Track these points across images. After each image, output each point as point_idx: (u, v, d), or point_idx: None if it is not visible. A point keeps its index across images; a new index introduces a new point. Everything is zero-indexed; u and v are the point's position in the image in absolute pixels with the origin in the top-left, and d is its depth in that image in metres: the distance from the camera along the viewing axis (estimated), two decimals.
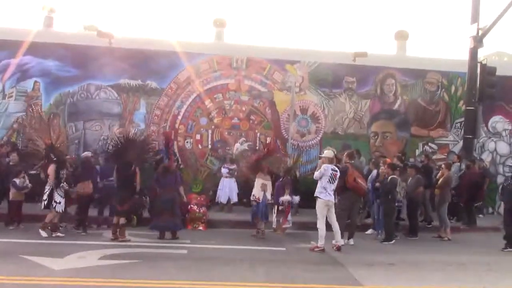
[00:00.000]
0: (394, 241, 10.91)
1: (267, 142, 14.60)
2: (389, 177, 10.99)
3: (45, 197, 10.13)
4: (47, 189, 10.16)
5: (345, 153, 11.29)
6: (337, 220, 10.63)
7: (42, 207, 10.20)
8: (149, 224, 10.67)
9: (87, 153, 11.83)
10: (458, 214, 13.57)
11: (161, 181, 10.50)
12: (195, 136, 15.20)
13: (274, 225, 11.49)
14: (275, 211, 11.39)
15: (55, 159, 10.25)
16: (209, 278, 7.27)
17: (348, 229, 10.54)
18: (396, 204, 11.38)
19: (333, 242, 9.75)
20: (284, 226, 11.38)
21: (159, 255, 8.69)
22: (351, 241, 10.43)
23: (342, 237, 10.30)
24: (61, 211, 10.20)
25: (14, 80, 14.74)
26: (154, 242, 9.89)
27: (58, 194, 10.15)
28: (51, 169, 10.19)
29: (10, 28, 15.34)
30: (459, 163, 13.87)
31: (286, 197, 11.33)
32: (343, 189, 10.48)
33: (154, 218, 10.63)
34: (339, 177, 10.64)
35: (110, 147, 10.97)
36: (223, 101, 15.44)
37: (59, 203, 10.13)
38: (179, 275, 7.36)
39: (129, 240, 9.85)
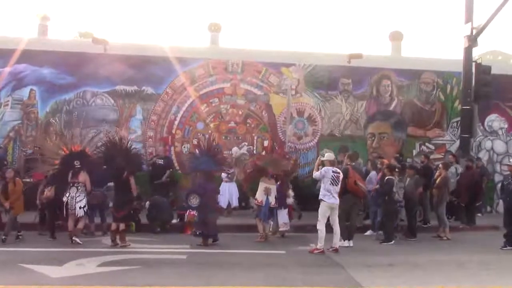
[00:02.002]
0: (393, 241, 10.91)
1: (273, 145, 14.34)
2: (386, 178, 10.99)
3: (83, 204, 10.16)
4: (82, 196, 10.17)
5: (346, 155, 11.29)
6: None
7: (81, 214, 10.16)
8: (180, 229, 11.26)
9: None
10: (457, 213, 13.55)
11: (207, 188, 10.40)
12: (192, 141, 15.20)
13: (271, 228, 11.47)
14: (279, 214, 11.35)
15: (79, 166, 10.17)
16: (209, 283, 7.25)
17: (348, 231, 10.53)
18: (398, 204, 11.35)
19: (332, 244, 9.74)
20: (282, 229, 11.35)
21: (158, 261, 8.66)
22: (351, 243, 10.41)
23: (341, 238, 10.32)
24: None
25: (10, 88, 14.74)
26: (153, 248, 9.86)
27: (87, 200, 10.40)
28: (86, 176, 10.23)
29: (5, 36, 15.32)
30: (455, 166, 13.75)
31: (289, 200, 11.45)
32: (343, 191, 10.49)
33: (201, 225, 10.32)
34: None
35: (98, 153, 10.88)
36: (219, 105, 15.46)
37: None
38: (179, 280, 7.33)
39: (129, 245, 9.84)
